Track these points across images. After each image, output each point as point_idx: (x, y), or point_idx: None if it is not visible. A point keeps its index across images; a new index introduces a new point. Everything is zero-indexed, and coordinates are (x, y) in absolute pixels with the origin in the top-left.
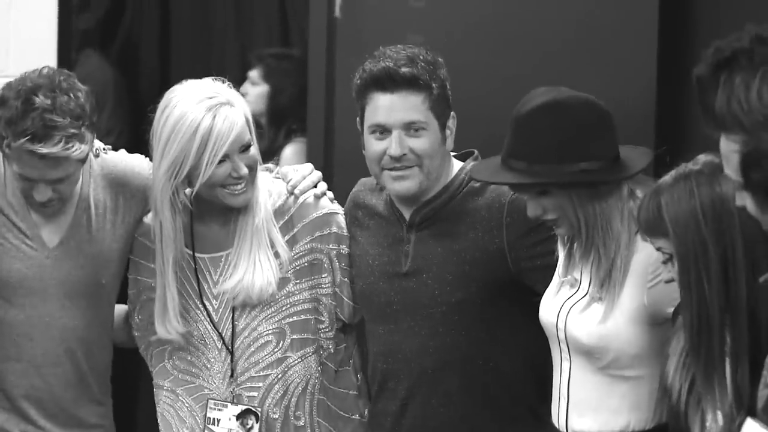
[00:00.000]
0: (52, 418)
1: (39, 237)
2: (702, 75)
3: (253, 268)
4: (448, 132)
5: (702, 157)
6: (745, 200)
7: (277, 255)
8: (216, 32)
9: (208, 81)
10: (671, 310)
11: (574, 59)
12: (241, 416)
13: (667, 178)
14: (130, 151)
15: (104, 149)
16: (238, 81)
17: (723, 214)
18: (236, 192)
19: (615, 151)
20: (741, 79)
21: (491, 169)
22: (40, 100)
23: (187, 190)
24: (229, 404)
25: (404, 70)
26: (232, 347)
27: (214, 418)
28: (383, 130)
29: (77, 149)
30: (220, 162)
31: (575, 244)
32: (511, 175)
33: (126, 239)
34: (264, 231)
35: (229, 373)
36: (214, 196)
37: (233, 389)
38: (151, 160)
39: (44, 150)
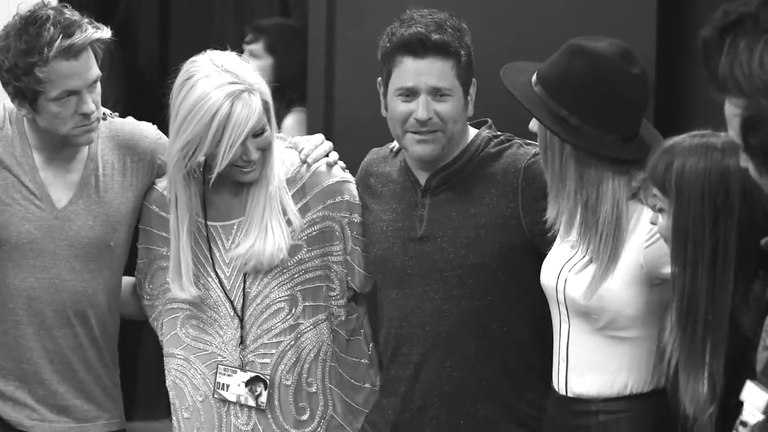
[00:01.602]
0: (66, 381)
1: (48, 197)
2: (708, 37)
3: (265, 234)
4: (469, 98)
5: (725, 135)
6: (747, 163)
7: (289, 222)
8: (215, 2)
9: (232, 59)
10: (667, 270)
11: (573, 28)
12: (250, 383)
13: (685, 140)
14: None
15: (111, 115)
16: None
17: (723, 207)
18: (246, 171)
19: (621, 130)
20: (745, 44)
21: (516, 73)
22: (43, 13)
23: (201, 158)
24: (238, 370)
25: (435, 36)
26: (242, 314)
27: (223, 383)
28: (410, 93)
29: (103, 30)
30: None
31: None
32: (516, 83)
33: (134, 203)
34: (276, 199)
35: (240, 341)
36: (225, 171)
37: (244, 356)
38: (159, 128)
39: (79, 39)
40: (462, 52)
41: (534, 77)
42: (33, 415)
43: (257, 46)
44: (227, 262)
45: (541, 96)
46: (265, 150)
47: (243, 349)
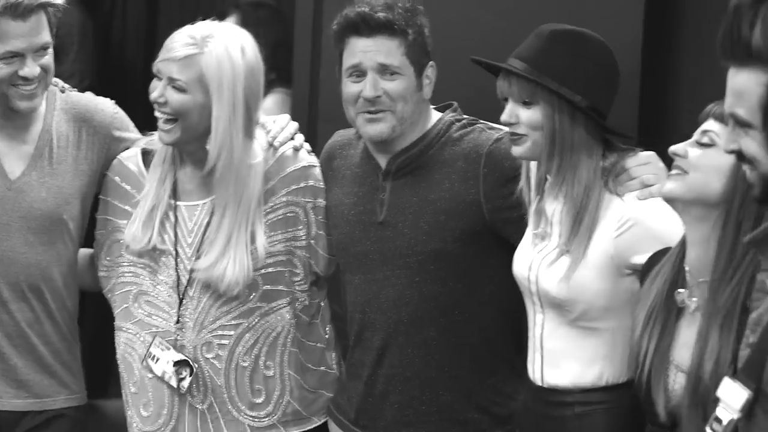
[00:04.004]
0: (24, 356)
1: (1, 168)
2: (742, 3)
3: (226, 261)
4: (426, 80)
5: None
6: (742, 142)
7: (254, 251)
8: None
9: None
10: (636, 259)
11: (562, 13)
12: (178, 364)
13: None
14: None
15: (70, 89)
16: None
17: None
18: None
19: (607, 112)
20: None
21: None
22: None
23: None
24: (172, 348)
25: (380, 14)
26: (182, 295)
27: (154, 355)
28: (359, 73)
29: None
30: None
31: (545, 195)
32: (511, 66)
33: (90, 176)
34: (247, 221)
35: (198, 321)
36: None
37: (200, 337)
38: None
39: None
40: (410, 31)
41: (522, 65)
42: None
43: (229, 22)
44: (189, 242)
45: (549, 83)
46: (178, 113)
47: (191, 331)
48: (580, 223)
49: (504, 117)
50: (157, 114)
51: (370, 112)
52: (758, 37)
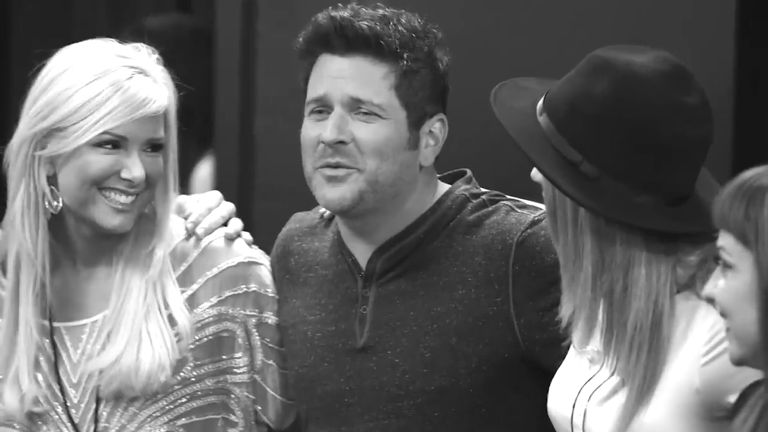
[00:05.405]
0: None
1: None
2: None
3: (139, 342)
4: (430, 141)
5: None
6: None
7: (173, 324)
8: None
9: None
10: (734, 397)
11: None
12: None
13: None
14: None
15: None
16: None
17: None
18: (118, 205)
19: (663, 187)
20: None
21: (514, 95)
22: None
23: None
24: None
25: (363, 24)
26: None
27: None
28: (323, 108)
29: None
30: (108, 145)
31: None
32: (512, 109)
33: None
34: (158, 289)
35: None
36: (85, 204)
37: None
38: None
39: None
40: (405, 56)
41: (541, 102)
42: None
43: None
44: (75, 381)
45: (548, 131)
46: (153, 182)
47: None
48: (647, 343)
49: (533, 173)
50: (117, 197)
51: (329, 167)
52: None
